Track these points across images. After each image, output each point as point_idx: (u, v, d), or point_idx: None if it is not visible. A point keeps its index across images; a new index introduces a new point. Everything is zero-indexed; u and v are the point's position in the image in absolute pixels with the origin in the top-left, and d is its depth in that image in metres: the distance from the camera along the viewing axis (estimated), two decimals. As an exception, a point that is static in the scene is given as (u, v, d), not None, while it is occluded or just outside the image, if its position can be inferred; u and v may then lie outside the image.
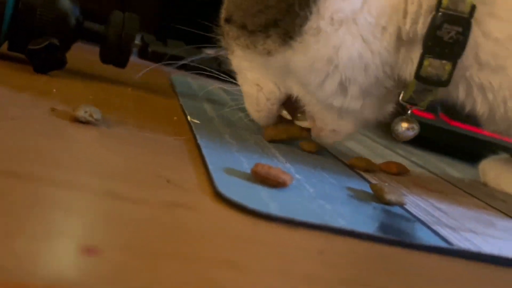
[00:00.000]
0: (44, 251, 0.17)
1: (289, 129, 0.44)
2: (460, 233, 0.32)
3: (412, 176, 0.47)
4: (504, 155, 0.55)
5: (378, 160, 0.46)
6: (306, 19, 0.38)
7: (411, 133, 0.43)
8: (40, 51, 0.47)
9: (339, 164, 0.43)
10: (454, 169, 0.58)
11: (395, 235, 0.28)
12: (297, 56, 0.39)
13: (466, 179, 0.53)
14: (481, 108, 0.41)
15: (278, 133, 0.44)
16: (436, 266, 0.27)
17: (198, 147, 0.36)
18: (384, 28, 0.38)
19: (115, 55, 0.53)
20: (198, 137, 0.38)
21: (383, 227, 0.29)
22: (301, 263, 0.22)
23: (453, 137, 0.63)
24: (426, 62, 0.38)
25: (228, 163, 0.34)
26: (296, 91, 0.41)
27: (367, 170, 0.43)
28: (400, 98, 0.41)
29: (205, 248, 0.21)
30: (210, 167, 0.31)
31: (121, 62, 0.54)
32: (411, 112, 0.43)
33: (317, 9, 0.38)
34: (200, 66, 0.50)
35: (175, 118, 0.46)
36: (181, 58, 0.56)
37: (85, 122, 0.35)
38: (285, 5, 0.38)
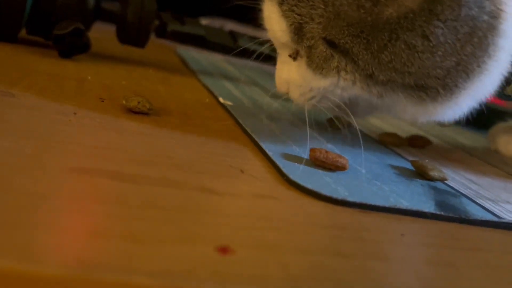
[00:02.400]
0: (183, 253, 0.19)
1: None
2: (500, 205, 0.35)
3: (433, 148, 0.49)
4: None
5: (394, 131, 0.48)
6: (460, 90, 0.36)
7: None
8: (66, 36, 0.47)
9: (370, 140, 0.45)
10: (465, 138, 0.61)
11: (453, 212, 0.30)
12: (421, 112, 0.37)
13: (479, 147, 0.56)
14: None
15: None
16: (490, 238, 0.29)
17: (245, 132, 0.37)
18: None
19: (134, 35, 0.53)
20: (241, 122, 0.39)
21: (439, 204, 0.31)
22: (391, 247, 0.24)
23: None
24: None
25: (280, 146, 0.35)
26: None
27: (396, 145, 0.45)
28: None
29: (308, 238, 0.23)
30: (270, 153, 0.33)
31: (140, 43, 0.54)
32: None
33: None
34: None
35: (207, 100, 0.46)
36: (202, 37, 0.56)
37: (138, 112, 0.35)
38: (450, 82, 0.35)
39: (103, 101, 0.36)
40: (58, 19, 0.48)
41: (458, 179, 0.39)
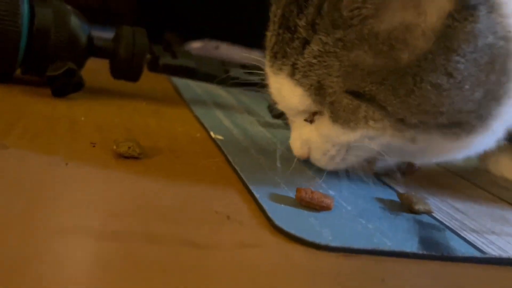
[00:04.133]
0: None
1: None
2: (484, 236, 0.35)
3: (422, 171, 0.50)
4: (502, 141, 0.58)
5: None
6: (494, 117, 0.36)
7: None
8: (59, 76, 0.48)
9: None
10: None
11: (436, 250, 0.31)
12: (465, 140, 0.37)
13: (468, 167, 0.57)
14: None
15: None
16: (473, 274, 0.30)
17: (235, 171, 0.38)
18: None
19: (127, 70, 0.54)
20: (231, 159, 0.40)
21: (423, 241, 0.32)
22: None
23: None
24: None
25: (268, 186, 0.36)
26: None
27: (386, 174, 0.46)
28: None
29: (287, 285, 0.24)
30: (257, 195, 0.33)
31: (133, 77, 0.55)
32: None
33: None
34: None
35: (198, 135, 0.47)
36: (193, 69, 0.57)
37: (129, 157, 0.36)
38: (484, 111, 0.35)
39: (94, 146, 0.37)
40: (51, 57, 0.49)
41: (445, 209, 0.40)
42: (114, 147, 0.36)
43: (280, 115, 0.52)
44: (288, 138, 0.43)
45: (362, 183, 0.42)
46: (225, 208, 0.31)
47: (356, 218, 0.34)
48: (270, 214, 0.31)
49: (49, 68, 0.48)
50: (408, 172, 0.48)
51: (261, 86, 0.61)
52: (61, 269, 0.22)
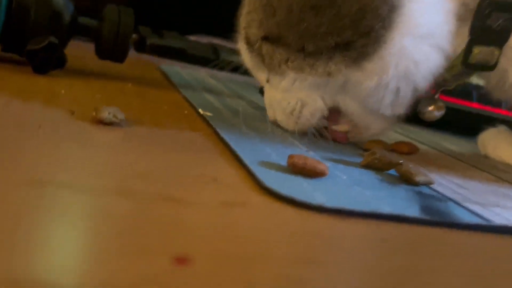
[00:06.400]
0: (130, 265, 0.17)
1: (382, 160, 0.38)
2: (489, 208, 0.33)
3: (420, 154, 0.48)
4: (502, 127, 0.56)
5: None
6: (385, 37, 0.36)
7: (438, 114, 0.44)
8: (40, 51, 0.45)
9: (354, 147, 0.44)
10: (452, 143, 0.60)
11: (438, 216, 0.29)
12: (367, 75, 0.38)
13: (466, 153, 0.55)
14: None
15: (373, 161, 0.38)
16: (478, 243, 0.28)
17: (223, 141, 0.36)
18: (451, 31, 0.39)
19: (112, 51, 0.52)
20: (219, 131, 0.38)
21: (424, 209, 0.30)
22: (369, 254, 0.23)
23: (449, 113, 0.64)
24: (476, 50, 0.39)
25: (259, 156, 0.34)
26: (344, 104, 0.40)
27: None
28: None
29: (277, 247, 0.21)
30: (247, 161, 0.31)
31: (119, 58, 0.53)
32: (438, 95, 0.44)
33: (398, 27, 0.37)
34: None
35: (186, 112, 0.45)
36: (183, 50, 0.55)
37: (109, 124, 0.34)
38: (363, 27, 0.36)
39: (73, 113, 0.35)
40: (32, 35, 0.47)
41: (445, 184, 0.38)
42: (94, 113, 0.34)
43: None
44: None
45: (358, 157, 0.40)
46: (212, 172, 0.29)
47: (352, 186, 0.32)
48: (259, 177, 0.28)
49: (30, 43, 0.45)
50: (404, 151, 0.46)
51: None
52: (28, 218, 0.19)
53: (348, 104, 0.40)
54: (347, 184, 0.32)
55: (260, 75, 0.43)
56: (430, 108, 0.44)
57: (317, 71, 0.38)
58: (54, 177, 0.23)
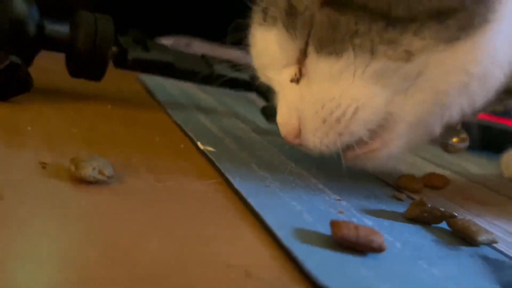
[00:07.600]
0: None
1: (433, 213, 0.31)
2: None
3: (453, 186, 0.42)
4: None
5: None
6: (495, 15, 0.28)
7: (462, 145, 0.37)
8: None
9: (386, 186, 0.37)
10: (472, 163, 0.54)
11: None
12: (456, 64, 0.29)
13: (493, 178, 0.49)
14: None
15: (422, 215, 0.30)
16: None
17: (239, 197, 0.29)
18: None
19: (87, 66, 0.43)
20: (231, 179, 0.30)
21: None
22: None
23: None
24: None
25: (288, 216, 0.26)
26: (400, 108, 0.30)
27: (416, 191, 0.37)
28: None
29: None
30: (280, 235, 0.24)
31: (95, 76, 0.44)
32: (459, 124, 0.37)
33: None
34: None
35: (182, 146, 0.37)
36: (170, 64, 0.47)
37: (94, 182, 0.26)
38: None
39: (44, 167, 0.27)
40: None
41: (503, 237, 0.31)
42: (73, 168, 0.26)
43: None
44: (291, 148, 0.33)
45: (390, 203, 0.33)
46: (240, 257, 0.22)
47: (414, 260, 0.25)
48: (307, 267, 0.21)
49: (-15, 63, 0.37)
50: (437, 185, 0.39)
51: (251, 85, 0.51)
52: None
53: (404, 110, 0.30)
54: (408, 259, 0.25)
55: (280, 72, 0.32)
56: (454, 140, 0.37)
57: (395, 51, 0.28)
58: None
